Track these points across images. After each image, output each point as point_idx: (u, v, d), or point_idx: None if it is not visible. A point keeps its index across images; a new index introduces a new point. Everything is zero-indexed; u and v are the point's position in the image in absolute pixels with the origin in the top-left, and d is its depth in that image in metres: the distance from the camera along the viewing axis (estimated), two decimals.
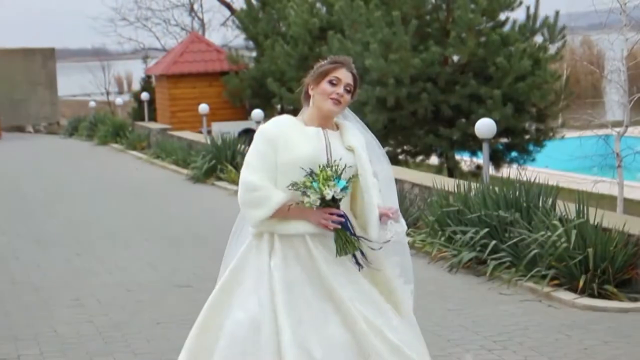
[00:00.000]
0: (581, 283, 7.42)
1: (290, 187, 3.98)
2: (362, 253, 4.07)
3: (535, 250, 7.87)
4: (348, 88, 4.14)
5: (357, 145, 4.12)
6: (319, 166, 3.98)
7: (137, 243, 10.54)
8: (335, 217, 3.99)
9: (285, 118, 4.19)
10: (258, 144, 4.09)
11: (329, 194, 3.93)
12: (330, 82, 4.12)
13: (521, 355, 6.13)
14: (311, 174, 3.96)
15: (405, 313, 4.17)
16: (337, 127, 4.21)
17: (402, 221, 4.21)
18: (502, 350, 6.24)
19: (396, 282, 4.21)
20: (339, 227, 4.00)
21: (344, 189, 3.96)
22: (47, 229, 11.65)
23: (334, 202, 3.98)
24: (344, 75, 4.14)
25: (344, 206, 4.06)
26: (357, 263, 4.06)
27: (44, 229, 11.66)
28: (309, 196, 3.94)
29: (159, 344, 6.63)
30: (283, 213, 4.02)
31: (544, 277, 7.68)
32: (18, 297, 8.14)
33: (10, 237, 11.17)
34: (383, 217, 4.07)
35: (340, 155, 4.05)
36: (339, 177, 3.96)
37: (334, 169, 3.97)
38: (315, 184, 3.94)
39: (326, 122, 4.16)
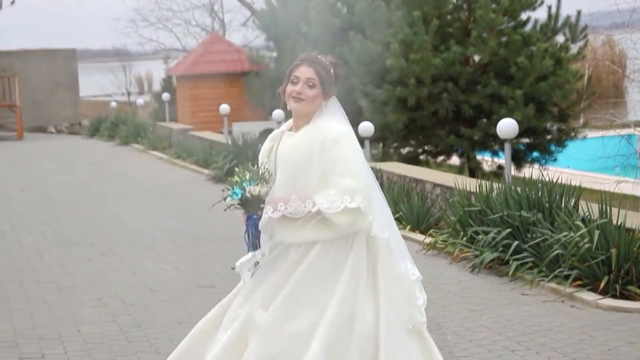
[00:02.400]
0: (604, 284, 7.40)
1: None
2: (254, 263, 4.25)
3: (558, 251, 7.85)
4: (310, 83, 4.17)
5: (285, 146, 4.22)
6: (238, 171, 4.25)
7: (160, 243, 10.59)
8: (243, 222, 4.24)
9: (283, 125, 4.43)
10: None
11: (228, 201, 4.24)
12: (291, 82, 4.22)
13: (544, 356, 6.12)
14: (239, 176, 4.27)
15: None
16: None
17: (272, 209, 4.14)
18: (525, 350, 6.24)
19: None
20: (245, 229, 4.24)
21: (231, 196, 4.19)
22: (70, 229, 11.72)
23: (243, 207, 4.22)
24: (303, 72, 4.19)
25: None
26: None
27: (67, 229, 11.73)
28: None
29: None
30: None
31: (566, 277, 7.66)
32: (42, 297, 8.20)
33: (35, 237, 11.24)
34: None
35: (280, 157, 4.22)
36: (240, 185, 4.18)
37: (247, 174, 4.21)
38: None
39: (298, 122, 4.26)
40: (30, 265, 9.63)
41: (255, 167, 4.28)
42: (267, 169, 4.21)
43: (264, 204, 4.15)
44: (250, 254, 4.19)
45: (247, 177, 4.16)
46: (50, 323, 7.32)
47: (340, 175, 4.04)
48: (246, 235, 4.21)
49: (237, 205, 4.21)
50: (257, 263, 4.18)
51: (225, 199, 4.22)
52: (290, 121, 4.37)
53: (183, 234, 11.11)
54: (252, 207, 4.16)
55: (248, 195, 4.13)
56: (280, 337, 4.04)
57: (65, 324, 7.28)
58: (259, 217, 4.15)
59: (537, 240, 8.21)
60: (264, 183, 4.15)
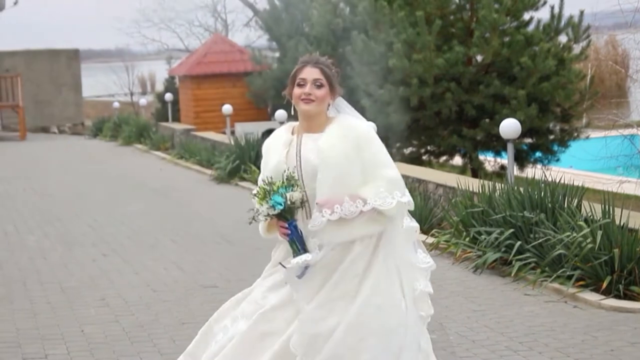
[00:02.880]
0: (607, 284, 7.39)
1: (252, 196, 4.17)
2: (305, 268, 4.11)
3: (561, 251, 7.85)
4: (317, 83, 4.17)
5: (324, 146, 4.12)
6: (269, 178, 4.12)
7: (163, 243, 10.60)
8: (282, 230, 4.10)
9: (283, 128, 4.35)
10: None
11: (264, 210, 4.09)
12: (298, 85, 4.19)
13: (547, 356, 6.12)
14: (267, 184, 4.11)
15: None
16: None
17: (329, 211, 4.06)
18: (528, 351, 6.24)
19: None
20: (287, 238, 4.11)
21: (273, 206, 4.05)
22: (73, 230, 11.73)
23: (281, 215, 4.08)
24: (309, 73, 4.18)
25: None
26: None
27: (70, 230, 11.74)
28: (255, 208, 4.16)
29: (184, 344, 6.62)
30: (270, 223, 4.24)
31: (569, 277, 7.66)
32: (45, 297, 8.21)
33: (38, 238, 11.26)
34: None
35: (308, 160, 4.12)
36: (276, 193, 4.04)
37: (274, 183, 4.07)
38: (257, 199, 4.11)
39: (311, 124, 4.21)
40: (33, 265, 9.64)
41: (281, 176, 4.12)
42: (292, 173, 4.12)
43: (297, 208, 4.10)
44: (301, 258, 4.05)
45: (279, 184, 4.06)
46: (53, 323, 7.32)
47: (382, 167, 4.11)
48: (293, 242, 4.10)
49: (270, 215, 4.10)
50: (307, 266, 4.11)
51: (258, 211, 4.10)
52: (291, 124, 4.34)
53: (186, 234, 11.12)
54: (290, 213, 4.09)
55: (289, 202, 4.07)
56: (323, 330, 4.02)
57: (68, 324, 7.29)
58: (295, 221, 4.11)
59: (539, 241, 8.21)
60: (297, 188, 4.10)
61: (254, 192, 4.14)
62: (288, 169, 4.12)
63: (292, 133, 4.29)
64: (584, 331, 6.62)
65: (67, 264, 9.64)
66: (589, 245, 7.60)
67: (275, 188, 4.06)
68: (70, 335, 6.98)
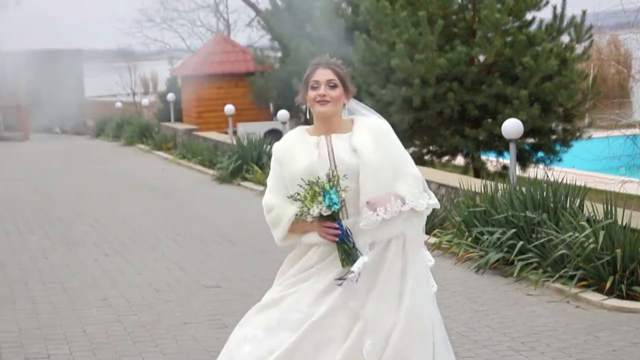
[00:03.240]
0: (609, 284, 7.39)
1: (289, 198, 4.07)
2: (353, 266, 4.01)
3: (563, 251, 7.84)
4: (331, 84, 4.15)
5: (361, 145, 4.09)
6: (317, 178, 4.02)
7: (165, 243, 10.60)
8: (331, 230, 4.02)
9: (295, 131, 4.26)
10: (272, 164, 4.25)
11: (314, 211, 3.99)
12: (312, 88, 4.16)
13: (549, 356, 6.11)
14: (309, 184, 4.00)
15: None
16: (351, 126, 4.19)
17: (384, 209, 4.05)
18: (530, 351, 6.23)
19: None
20: (336, 239, 4.02)
21: (330, 206, 3.98)
22: (75, 230, 11.74)
23: (331, 215, 4.00)
24: (321, 75, 4.15)
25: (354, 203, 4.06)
26: (344, 278, 4.01)
27: (72, 230, 11.75)
28: (301, 209, 4.03)
29: (187, 344, 6.67)
30: (298, 225, 4.12)
31: (571, 278, 7.65)
32: (47, 297, 8.21)
33: (40, 238, 11.26)
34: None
35: (344, 161, 4.07)
36: (328, 192, 3.97)
37: (325, 182, 3.98)
38: (304, 200, 4.01)
39: (329, 125, 4.16)
40: (35, 265, 9.64)
41: (326, 175, 4.03)
42: (335, 176, 4.05)
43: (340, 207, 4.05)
44: (360, 262, 3.98)
45: (327, 184, 3.98)
46: (55, 323, 7.33)
47: (408, 165, 4.16)
48: (343, 242, 4.01)
49: (318, 217, 4.00)
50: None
51: (305, 212, 4.00)
52: (302, 127, 4.27)
53: (187, 234, 11.12)
54: (338, 213, 4.04)
55: (342, 202, 4.01)
56: (384, 333, 4.00)
57: (71, 324, 7.29)
58: (342, 220, 4.05)
59: (542, 241, 8.20)
60: (340, 188, 4.05)
61: (294, 194, 4.02)
62: (334, 170, 4.04)
63: (311, 135, 4.20)
64: (586, 331, 6.62)
65: (69, 264, 9.65)
66: (591, 246, 7.59)
67: (327, 187, 3.98)
68: (72, 335, 6.98)
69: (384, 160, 4.08)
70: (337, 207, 3.99)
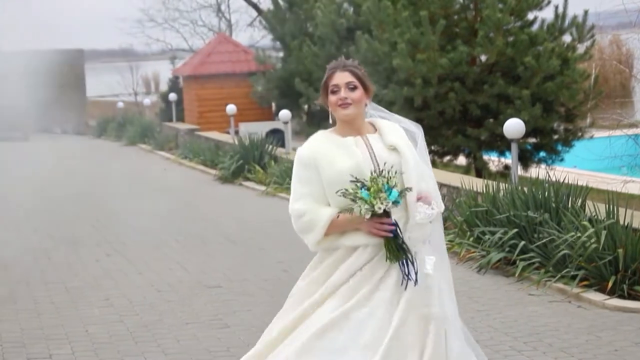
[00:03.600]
0: (611, 284, 7.38)
1: (339, 194, 3.97)
2: (412, 264, 3.99)
3: (565, 251, 7.84)
4: (351, 86, 4.12)
5: (398, 143, 4.10)
6: (371, 173, 3.96)
7: (167, 243, 10.60)
8: (386, 227, 3.97)
9: (320, 135, 4.17)
10: (297, 170, 4.11)
11: (380, 207, 3.92)
12: (332, 92, 4.12)
13: (551, 356, 6.11)
14: (360, 182, 3.94)
15: None
16: (374, 128, 4.18)
17: (435, 204, 4.10)
18: (532, 351, 6.23)
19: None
20: (391, 235, 3.98)
21: (395, 202, 3.95)
22: (77, 230, 11.74)
23: (385, 213, 3.97)
24: (340, 78, 4.13)
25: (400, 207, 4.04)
26: (406, 275, 3.98)
27: (74, 230, 11.75)
28: (359, 206, 3.93)
29: (189, 344, 6.68)
30: (336, 227, 4.03)
31: (573, 277, 7.65)
32: (49, 297, 8.22)
33: (42, 237, 11.27)
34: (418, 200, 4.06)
35: (385, 159, 4.04)
36: (390, 188, 3.94)
37: (384, 179, 3.94)
38: (365, 195, 3.93)
39: (355, 128, 4.14)
40: (37, 265, 9.65)
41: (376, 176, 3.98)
42: (390, 173, 4.01)
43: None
44: (431, 260, 4.01)
45: (384, 182, 3.93)
46: (57, 323, 7.33)
47: (426, 166, 4.21)
48: (396, 238, 3.98)
49: (379, 212, 3.94)
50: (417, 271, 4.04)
51: (375, 206, 3.91)
52: (325, 131, 4.19)
53: (189, 234, 11.12)
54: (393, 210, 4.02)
55: (380, 212, 3.96)
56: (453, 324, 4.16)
57: (73, 324, 7.29)
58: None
59: (544, 241, 8.20)
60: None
61: (353, 193, 3.94)
62: (392, 168, 3.99)
63: (343, 137, 4.13)
64: (588, 331, 6.62)
65: (71, 264, 9.65)
66: (593, 245, 7.59)
67: (391, 183, 3.94)
68: (74, 335, 6.99)
69: (417, 158, 4.13)
70: (399, 203, 3.97)
